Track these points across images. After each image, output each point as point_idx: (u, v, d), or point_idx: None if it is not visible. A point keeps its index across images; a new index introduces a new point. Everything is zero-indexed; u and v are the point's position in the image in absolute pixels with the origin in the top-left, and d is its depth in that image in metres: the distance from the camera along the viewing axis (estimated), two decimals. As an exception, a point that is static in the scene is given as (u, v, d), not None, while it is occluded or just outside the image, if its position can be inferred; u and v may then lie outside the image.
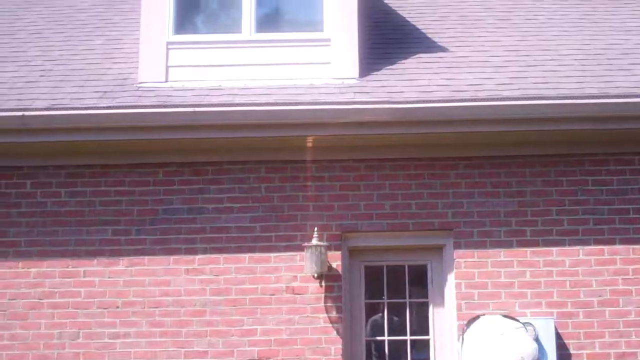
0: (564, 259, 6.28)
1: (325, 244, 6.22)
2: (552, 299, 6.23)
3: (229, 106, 6.20)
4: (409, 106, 6.12)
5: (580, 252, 6.29)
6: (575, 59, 6.93)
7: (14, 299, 6.44)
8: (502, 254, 6.30)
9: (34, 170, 6.59)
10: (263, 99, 6.28)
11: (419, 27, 7.86)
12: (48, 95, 6.57)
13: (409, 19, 8.10)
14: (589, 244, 6.29)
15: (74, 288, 6.43)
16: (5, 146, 6.44)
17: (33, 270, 6.47)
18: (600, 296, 6.23)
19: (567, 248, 6.29)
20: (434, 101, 6.16)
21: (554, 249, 6.30)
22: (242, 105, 6.19)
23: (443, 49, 7.24)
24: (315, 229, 6.25)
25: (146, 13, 6.84)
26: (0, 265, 6.48)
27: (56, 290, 6.44)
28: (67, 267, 6.46)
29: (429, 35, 7.59)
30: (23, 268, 6.48)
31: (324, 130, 6.25)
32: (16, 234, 6.52)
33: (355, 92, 6.37)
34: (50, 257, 6.47)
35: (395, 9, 8.45)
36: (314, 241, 6.18)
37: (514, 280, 6.26)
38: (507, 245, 6.31)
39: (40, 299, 6.43)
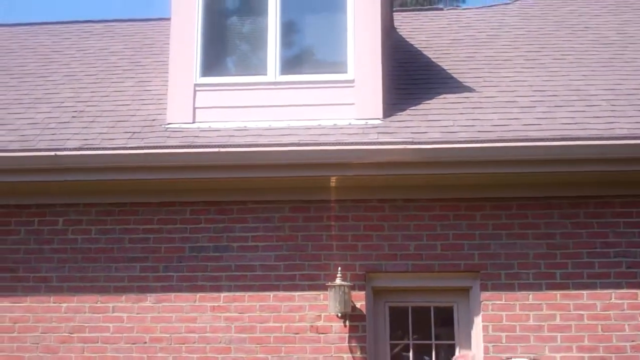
0: (595, 303, 6.18)
1: (348, 283, 6.22)
2: (583, 343, 6.12)
3: (253, 147, 6.29)
4: (433, 147, 6.14)
5: (613, 295, 6.18)
6: (605, 99, 6.89)
7: (45, 333, 6.55)
8: (530, 297, 6.23)
9: (66, 207, 6.73)
10: (286, 140, 6.36)
11: (445, 67, 7.90)
12: (79, 135, 6.74)
13: (434, 59, 8.15)
14: (622, 288, 6.19)
15: (103, 323, 6.53)
16: (39, 185, 6.60)
17: (64, 305, 6.59)
18: (633, 341, 6.10)
19: (598, 291, 6.19)
20: (457, 142, 6.16)
21: (585, 292, 6.20)
22: (265, 146, 6.27)
23: (468, 89, 7.26)
24: (339, 268, 6.27)
25: (174, 56, 7.00)
26: (33, 299, 6.60)
27: (86, 325, 6.54)
28: (97, 302, 6.56)
29: (455, 76, 7.63)
30: (54, 303, 6.60)
31: (347, 171, 6.29)
32: (48, 270, 6.65)
33: (378, 133, 6.41)
34: (81, 293, 6.58)
35: (421, 49, 8.52)
36: (338, 281, 6.19)
37: (543, 324, 6.18)
38: (536, 288, 6.23)
39: (71, 334, 6.53)
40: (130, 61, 8.73)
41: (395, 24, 9.46)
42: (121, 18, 10.42)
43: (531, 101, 6.93)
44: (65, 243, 6.68)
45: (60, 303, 6.58)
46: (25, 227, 6.73)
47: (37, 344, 6.52)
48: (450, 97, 7.12)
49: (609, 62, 7.79)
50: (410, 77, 7.80)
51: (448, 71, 7.82)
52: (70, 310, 6.56)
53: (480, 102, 6.98)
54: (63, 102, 7.58)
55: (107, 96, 7.70)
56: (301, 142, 6.31)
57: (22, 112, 7.41)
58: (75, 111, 7.33)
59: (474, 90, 7.26)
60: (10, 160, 6.43)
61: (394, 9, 9.83)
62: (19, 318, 6.57)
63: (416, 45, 8.75)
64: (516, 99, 7.00)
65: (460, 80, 7.54)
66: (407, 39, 9.03)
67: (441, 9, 10.49)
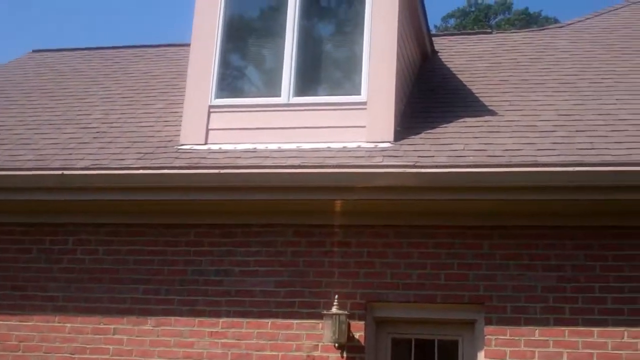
0: (606, 341, 5.70)
1: (345, 312, 5.99)
2: (592, 384, 5.66)
3: (255, 168, 6.19)
4: (435, 171, 5.87)
5: (625, 334, 5.70)
6: (632, 124, 6.43)
7: (48, 353, 6.61)
8: (537, 333, 5.82)
9: (76, 227, 6.82)
10: (290, 162, 6.23)
11: (474, 90, 7.59)
12: (93, 156, 6.83)
13: (466, 83, 7.86)
14: (635, 326, 5.69)
15: (103, 345, 6.53)
16: (49, 203, 6.71)
17: (68, 325, 6.63)
18: (646, 384, 5.59)
19: (610, 329, 5.72)
20: (461, 166, 5.87)
21: (595, 330, 5.74)
22: (267, 168, 6.15)
23: (491, 113, 6.94)
24: (336, 296, 6.05)
25: (191, 77, 7.03)
26: (39, 318, 6.69)
27: (87, 346, 6.56)
28: (99, 324, 6.57)
29: (481, 99, 7.31)
30: (59, 322, 6.66)
31: (350, 194, 6.09)
32: (55, 289, 6.73)
33: (384, 156, 6.18)
34: (84, 314, 6.61)
35: (456, 72, 8.23)
36: (334, 309, 5.97)
37: (549, 362, 5.75)
38: (543, 323, 5.82)
39: (72, 354, 6.56)
40: (169, 84, 8.84)
41: (438, 47, 9.21)
42: (174, 42, 10.62)
43: (553, 125, 6.54)
44: (74, 263, 6.75)
45: (64, 323, 6.63)
46: (37, 246, 6.85)
47: (40, 363, 6.59)
48: (469, 120, 6.82)
49: (649, 86, 7.28)
50: (436, 100, 7.54)
51: (476, 94, 7.51)
52: (74, 331, 6.59)
53: (499, 126, 6.64)
54: (90, 124, 7.73)
55: (133, 118, 7.81)
56: (303, 164, 6.17)
57: (49, 132, 7.60)
58: (98, 132, 7.45)
59: (496, 113, 6.93)
60: (20, 179, 6.58)
61: (437, 32, 9.57)
62: (24, 337, 6.66)
63: (452, 69, 8.48)
64: (537, 123, 6.62)
65: (486, 103, 7.22)
66: (446, 63, 8.76)
67: (489, 32, 10.15)
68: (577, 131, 6.38)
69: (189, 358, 6.33)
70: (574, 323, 5.77)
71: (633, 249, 5.81)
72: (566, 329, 5.77)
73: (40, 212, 6.84)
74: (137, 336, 6.47)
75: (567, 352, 5.73)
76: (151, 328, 6.46)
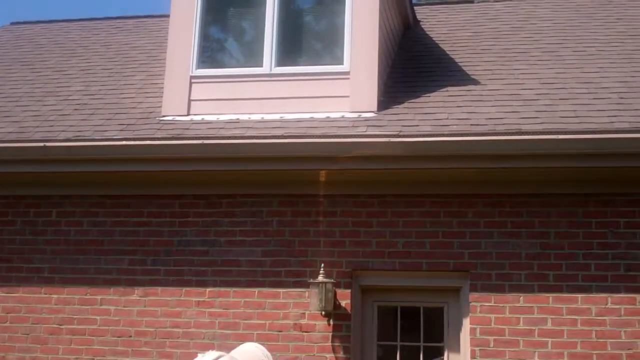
0: (590, 307, 5.79)
1: (332, 280, 6.03)
2: (575, 349, 5.75)
3: (238, 139, 6.17)
4: (418, 140, 5.89)
5: (609, 300, 5.79)
6: (614, 92, 6.48)
7: (36, 324, 6.61)
8: (521, 299, 5.90)
9: (60, 199, 6.79)
10: (274, 132, 6.22)
11: (457, 60, 7.60)
12: (75, 127, 6.77)
13: (449, 52, 7.86)
14: (619, 292, 5.78)
15: (91, 315, 6.54)
16: (32, 175, 6.67)
17: (54, 296, 6.63)
18: (629, 349, 5.69)
19: (593, 295, 5.81)
20: (445, 135, 5.89)
21: (579, 296, 5.83)
22: (250, 138, 6.14)
23: (474, 82, 6.96)
24: (322, 265, 6.09)
25: (172, 47, 6.97)
26: (25, 290, 6.68)
27: (75, 317, 6.56)
28: (86, 294, 6.58)
29: (464, 68, 7.33)
30: (45, 294, 6.65)
31: (334, 164, 6.11)
32: (41, 261, 6.72)
33: (368, 126, 6.19)
34: (71, 285, 6.61)
35: (439, 42, 8.23)
36: (320, 277, 6.01)
37: (533, 328, 5.83)
38: (528, 290, 5.90)
39: (60, 325, 6.57)
40: (149, 55, 8.76)
41: (420, 17, 9.19)
42: (154, 14, 10.50)
43: (536, 94, 6.58)
44: (58, 234, 6.73)
45: (51, 294, 6.63)
46: (21, 218, 6.82)
47: (28, 334, 6.59)
48: (453, 90, 6.83)
49: (630, 55, 7.33)
50: (419, 69, 7.54)
51: (459, 64, 7.52)
52: (61, 302, 6.60)
53: (482, 95, 6.67)
54: (71, 95, 7.66)
55: (115, 89, 7.74)
56: (286, 134, 6.16)
57: (30, 104, 7.52)
58: (79, 104, 7.39)
59: (479, 83, 6.95)
60: (2, 151, 6.52)
61: (418, 1, 9.55)
62: (11, 308, 6.66)
63: (435, 39, 8.47)
64: (520, 92, 6.65)
65: (469, 73, 7.23)
66: (428, 32, 8.75)
67: (471, 2, 10.13)
68: (560, 99, 6.42)
69: (176, 327, 6.36)
70: (558, 289, 5.84)
71: (616, 215, 5.88)
72: (550, 296, 5.85)
73: (23, 184, 6.80)
74: (124, 306, 6.48)
75: (551, 318, 5.81)
76: (138, 298, 6.47)
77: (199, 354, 2.18)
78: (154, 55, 8.69)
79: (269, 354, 2.26)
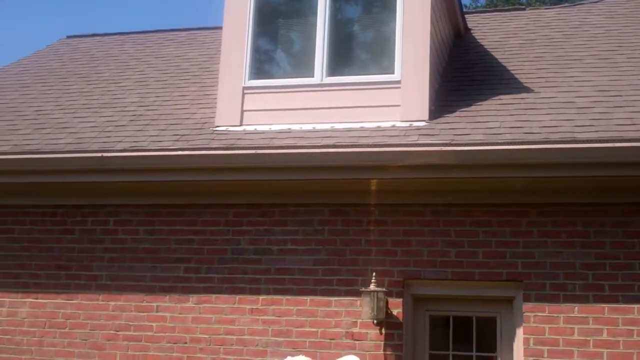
0: (646, 318, 5.71)
1: (383, 289, 6.05)
2: (631, 361, 5.67)
3: (290, 148, 6.24)
4: (471, 149, 5.87)
5: (666, 310, 5.69)
6: (671, 99, 6.37)
7: (94, 330, 6.77)
8: (576, 309, 5.83)
9: (117, 208, 6.95)
10: (325, 142, 6.27)
11: (510, 68, 7.56)
12: (131, 138, 6.93)
13: (501, 60, 7.82)
14: (676, 302, 5.69)
15: (147, 322, 6.67)
16: (90, 185, 6.84)
17: (112, 303, 6.78)
18: (687, 361, 5.59)
19: (650, 306, 5.71)
20: (498, 143, 5.86)
21: (636, 307, 5.74)
22: (302, 148, 6.20)
23: (527, 90, 6.91)
24: (374, 274, 6.11)
25: (225, 59, 7.09)
26: (84, 297, 6.85)
27: (131, 323, 6.70)
28: (142, 301, 6.71)
29: (517, 76, 7.28)
30: (103, 301, 6.81)
31: (385, 173, 6.13)
32: (99, 268, 6.88)
33: (419, 135, 6.20)
34: (127, 292, 6.75)
35: (490, 50, 8.20)
36: (372, 286, 6.04)
37: (588, 339, 5.76)
38: (583, 300, 5.83)
39: (117, 331, 6.71)
40: (201, 67, 8.90)
41: (471, 25, 9.17)
42: (205, 26, 10.67)
43: (591, 102, 6.51)
44: (116, 243, 6.88)
45: (108, 301, 6.78)
46: (80, 227, 7.00)
47: (86, 340, 6.75)
48: (505, 98, 6.80)
49: (688, 60, 7.20)
50: (471, 78, 7.52)
51: (511, 72, 7.48)
52: (118, 309, 6.74)
53: (535, 103, 6.62)
54: (126, 107, 7.83)
55: (168, 100, 7.89)
56: (338, 144, 6.21)
57: (87, 116, 7.72)
58: (135, 115, 7.55)
59: (532, 90, 6.90)
60: (60, 162, 6.70)
61: (468, 10, 9.52)
62: (70, 315, 6.83)
63: (486, 46, 8.44)
64: (575, 100, 6.59)
65: (521, 80, 7.19)
66: (480, 40, 8.72)
67: (522, 9, 10.07)
68: (615, 107, 6.34)
69: (230, 334, 6.44)
70: (615, 300, 5.77)
71: (673, 225, 5.78)
72: (606, 306, 5.77)
73: (81, 194, 6.98)
74: (179, 313, 6.60)
75: (607, 328, 5.74)
76: (193, 305, 6.58)
77: (288, 357, 2.22)
78: (206, 67, 8.84)
79: None
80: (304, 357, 2.47)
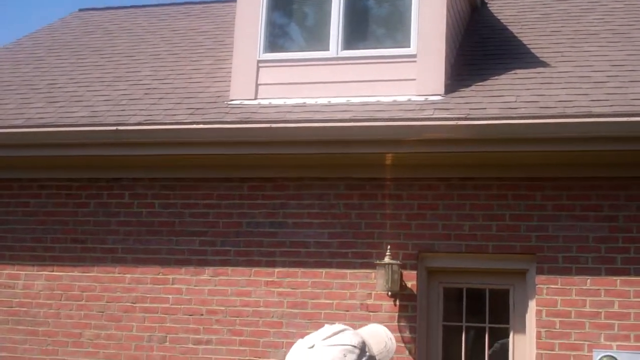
0: (658, 291, 5.74)
1: (398, 262, 6.09)
2: (642, 332, 5.71)
3: (306, 122, 6.26)
4: (487, 122, 5.88)
5: (678, 283, 5.72)
6: (688, 73, 6.35)
7: (110, 302, 6.85)
8: (588, 282, 5.87)
9: (132, 182, 6.98)
10: (341, 116, 6.28)
11: (525, 42, 7.53)
12: (146, 111, 6.96)
13: (517, 34, 7.79)
14: (688, 275, 5.72)
15: (163, 294, 6.74)
16: (104, 159, 6.88)
17: (128, 276, 6.85)
18: (699, 333, 5.63)
19: (662, 279, 5.75)
20: (514, 117, 5.87)
21: (648, 279, 5.78)
22: (316, 122, 6.22)
23: (543, 64, 6.90)
24: (389, 247, 6.15)
25: (239, 32, 7.08)
26: (100, 270, 6.91)
27: (147, 295, 6.77)
28: (158, 274, 6.77)
29: (533, 51, 7.26)
30: (119, 273, 6.88)
31: (401, 148, 6.15)
32: (114, 242, 6.94)
33: (435, 109, 6.21)
34: (143, 265, 6.81)
35: (507, 24, 8.16)
36: (387, 259, 6.08)
37: (600, 310, 5.81)
38: (595, 272, 5.87)
39: (133, 303, 6.79)
40: (215, 40, 8.90)
41: (486, -2, 9.12)
42: (220, -1, 10.63)
43: (606, 76, 6.49)
44: (131, 216, 6.93)
45: (124, 274, 6.85)
46: (95, 200, 7.05)
47: (103, 312, 6.83)
48: (521, 72, 6.79)
49: None
50: (486, 52, 7.51)
51: (527, 46, 7.45)
52: (134, 281, 6.81)
53: (552, 78, 6.61)
54: (141, 80, 7.85)
55: (182, 74, 7.90)
56: (353, 118, 6.22)
57: (101, 89, 7.74)
58: (149, 88, 7.57)
59: (549, 65, 6.88)
60: (76, 135, 6.74)
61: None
62: (86, 287, 6.90)
63: (503, 20, 8.40)
64: (590, 74, 6.57)
65: (537, 55, 7.17)
66: (496, 14, 8.68)
67: (537, -18, 9.98)
68: (630, 81, 6.33)
69: (246, 306, 6.51)
70: (626, 273, 5.80)
71: (687, 198, 5.80)
72: (618, 279, 5.81)
73: (96, 167, 7.02)
74: (195, 286, 6.66)
75: (618, 300, 5.78)
76: (209, 278, 6.64)
77: (326, 325, 2.26)
78: (220, 40, 8.83)
79: (391, 335, 2.33)
80: (376, 324, 2.49)
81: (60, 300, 6.95)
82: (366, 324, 6.00)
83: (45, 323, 6.94)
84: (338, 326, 2.22)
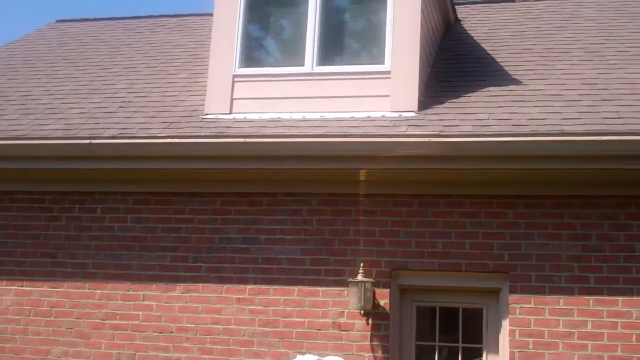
0: (630, 310, 5.75)
1: (371, 280, 6.07)
2: (615, 352, 5.72)
3: (280, 137, 6.23)
4: (460, 140, 5.89)
5: (650, 303, 5.74)
6: (659, 93, 6.40)
7: (79, 318, 6.76)
8: (561, 301, 5.87)
9: (104, 196, 6.92)
10: (315, 131, 6.27)
11: (498, 59, 7.57)
12: (120, 125, 6.90)
13: (490, 51, 7.83)
14: (660, 295, 5.73)
15: (133, 311, 6.66)
16: (77, 172, 6.81)
17: (98, 291, 6.77)
18: (671, 353, 5.64)
19: (634, 298, 5.76)
20: (486, 135, 5.88)
21: (620, 299, 5.79)
22: (292, 137, 6.19)
23: (516, 82, 6.93)
24: (362, 264, 6.13)
25: (215, 47, 7.06)
26: (70, 285, 6.82)
27: (117, 312, 6.69)
28: (129, 290, 6.69)
29: (506, 68, 7.29)
30: (89, 289, 6.79)
31: (374, 164, 6.14)
32: (85, 256, 6.86)
33: (409, 125, 6.21)
34: (114, 280, 6.73)
35: (480, 41, 8.20)
36: (359, 277, 6.05)
37: (573, 331, 5.81)
38: (568, 292, 5.87)
39: (103, 320, 6.70)
40: (192, 54, 8.86)
41: (461, 16, 9.16)
42: (196, 12, 10.61)
43: (578, 95, 6.53)
44: (103, 230, 6.85)
45: (94, 289, 6.76)
46: (66, 214, 6.97)
47: (72, 329, 6.74)
48: (494, 90, 6.81)
49: (676, 54, 7.23)
50: (460, 69, 7.53)
51: (500, 64, 7.48)
52: (104, 297, 6.73)
53: (524, 95, 6.63)
54: (116, 93, 7.79)
55: (158, 87, 7.86)
56: (327, 133, 6.21)
57: (76, 102, 7.67)
58: (124, 101, 7.51)
59: (521, 83, 6.91)
60: (48, 148, 6.67)
61: (459, 0, 9.52)
62: (56, 303, 6.81)
63: (475, 38, 8.44)
64: (562, 93, 6.61)
65: (510, 72, 7.20)
66: (469, 31, 8.72)
67: (512, 0, 10.06)
68: (602, 100, 6.37)
69: (217, 324, 6.44)
70: (599, 292, 5.81)
71: (658, 218, 5.82)
72: (591, 298, 5.81)
73: (68, 180, 6.94)
74: (165, 302, 6.59)
75: (591, 320, 5.78)
76: (179, 294, 6.57)
77: (298, 355, 2.22)
78: (196, 53, 8.80)
79: None
80: (311, 356, 2.45)
81: (29, 315, 6.85)
82: (338, 343, 5.97)
83: (12, 339, 6.83)
84: (309, 357, 2.19)
